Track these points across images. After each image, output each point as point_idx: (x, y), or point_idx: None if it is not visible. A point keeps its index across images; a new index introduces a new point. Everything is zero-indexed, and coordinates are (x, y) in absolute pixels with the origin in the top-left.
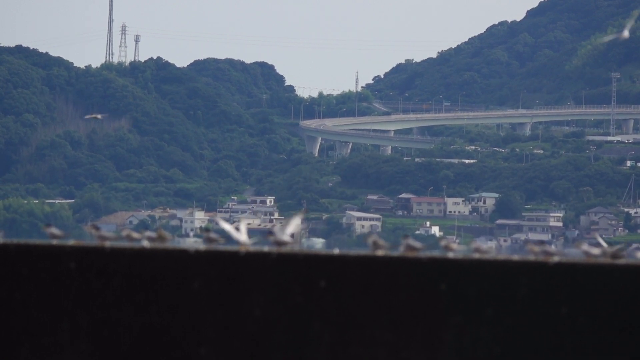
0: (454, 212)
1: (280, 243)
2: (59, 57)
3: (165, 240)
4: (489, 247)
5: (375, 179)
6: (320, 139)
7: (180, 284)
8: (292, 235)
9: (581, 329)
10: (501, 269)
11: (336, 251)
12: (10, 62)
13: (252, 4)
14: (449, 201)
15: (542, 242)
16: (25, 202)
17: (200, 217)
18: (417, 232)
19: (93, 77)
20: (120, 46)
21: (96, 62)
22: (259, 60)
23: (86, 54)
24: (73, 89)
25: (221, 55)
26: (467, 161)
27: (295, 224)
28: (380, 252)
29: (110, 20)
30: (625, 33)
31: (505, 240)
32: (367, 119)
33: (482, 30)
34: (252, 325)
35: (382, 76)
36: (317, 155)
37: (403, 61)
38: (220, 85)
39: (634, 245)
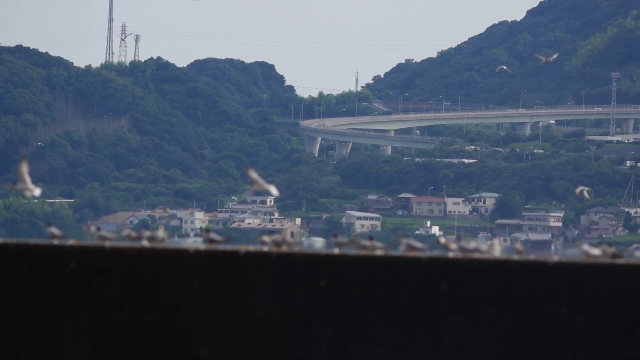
0: (454, 212)
1: (279, 243)
2: (59, 57)
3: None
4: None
5: (375, 178)
6: (320, 138)
7: (180, 284)
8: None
9: (581, 329)
10: (501, 269)
11: (336, 251)
12: (10, 62)
13: (252, 4)
14: (449, 201)
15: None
16: (25, 201)
17: (200, 217)
18: (417, 232)
19: (93, 77)
20: (120, 46)
21: (96, 62)
22: (259, 60)
23: (86, 53)
24: (73, 89)
25: (221, 55)
26: (467, 161)
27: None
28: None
29: (110, 20)
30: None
31: (505, 240)
32: (367, 119)
33: (482, 30)
34: (252, 325)
35: (382, 76)
36: (317, 155)
37: (403, 61)
38: (220, 85)
39: (634, 246)
